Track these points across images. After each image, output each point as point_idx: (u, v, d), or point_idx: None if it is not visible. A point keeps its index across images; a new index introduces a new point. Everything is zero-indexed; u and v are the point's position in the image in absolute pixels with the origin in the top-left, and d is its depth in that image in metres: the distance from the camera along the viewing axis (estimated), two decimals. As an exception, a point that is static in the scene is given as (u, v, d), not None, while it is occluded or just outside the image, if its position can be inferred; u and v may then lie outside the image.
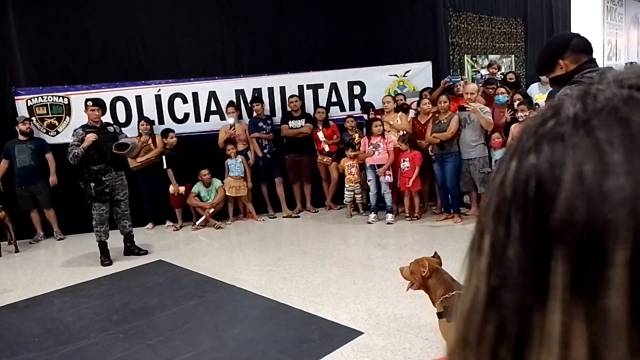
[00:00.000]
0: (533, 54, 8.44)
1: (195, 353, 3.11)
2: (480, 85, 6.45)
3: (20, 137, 6.26)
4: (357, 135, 6.42)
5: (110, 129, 5.26)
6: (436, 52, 7.24)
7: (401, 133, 6.09)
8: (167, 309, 3.86)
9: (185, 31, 6.88)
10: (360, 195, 6.47)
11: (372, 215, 6.15)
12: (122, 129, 6.56)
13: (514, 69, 8.26)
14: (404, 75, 7.09)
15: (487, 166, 5.69)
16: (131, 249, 5.46)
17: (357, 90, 7.12)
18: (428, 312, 2.83)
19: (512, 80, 6.75)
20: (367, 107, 6.73)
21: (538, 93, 6.50)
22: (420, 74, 7.08)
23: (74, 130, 5.20)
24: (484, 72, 7.81)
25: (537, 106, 5.59)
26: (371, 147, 6.04)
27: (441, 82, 6.49)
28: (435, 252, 2.59)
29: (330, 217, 6.69)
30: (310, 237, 5.68)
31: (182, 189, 6.44)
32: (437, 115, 5.87)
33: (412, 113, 6.38)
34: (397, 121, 6.26)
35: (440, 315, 2.32)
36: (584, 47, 2.11)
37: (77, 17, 6.54)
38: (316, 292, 3.85)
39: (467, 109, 5.61)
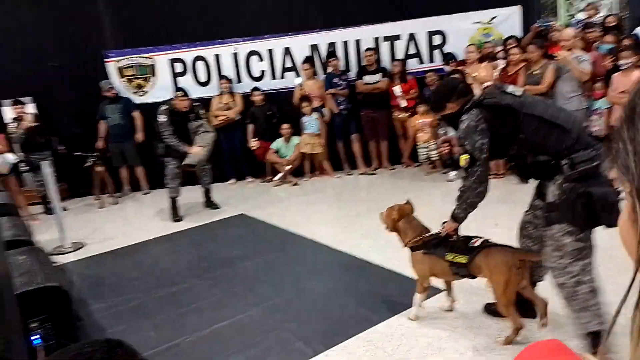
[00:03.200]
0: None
1: (278, 301, 3.25)
2: (579, 30, 5.84)
3: (110, 96, 6.67)
4: None
5: (192, 115, 5.43)
6: (526, -6, 6.63)
7: (483, 86, 5.73)
8: (250, 260, 4.05)
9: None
10: (435, 152, 6.25)
11: (453, 173, 5.94)
12: (203, 87, 6.91)
13: (615, 11, 7.37)
14: (490, 22, 6.58)
15: (585, 119, 5.22)
16: (208, 203, 5.79)
17: (437, 40, 6.75)
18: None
19: (612, 24, 6.02)
20: (448, 58, 6.37)
21: (645, 36, 5.77)
22: (507, 20, 6.53)
23: (161, 109, 5.36)
24: (580, 15, 7.05)
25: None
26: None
27: (531, 28, 5.96)
28: (408, 200, 2.85)
29: (408, 175, 6.56)
30: (388, 195, 5.61)
31: (255, 143, 6.61)
32: (528, 65, 5.41)
33: (501, 63, 5.93)
34: (481, 73, 5.87)
35: (412, 249, 2.69)
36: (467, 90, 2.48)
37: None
38: (394, 248, 3.83)
39: (556, 59, 5.13)
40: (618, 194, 2.04)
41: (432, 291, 3.07)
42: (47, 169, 4.87)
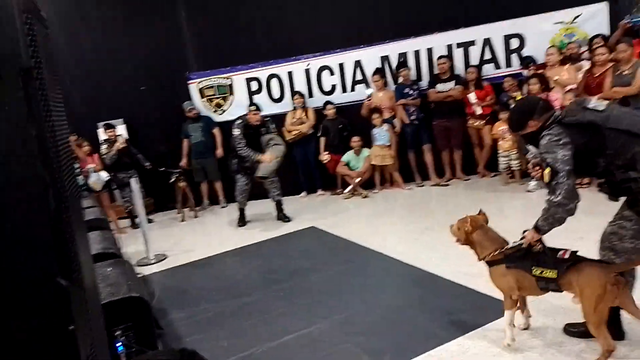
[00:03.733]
0: None
1: (347, 315, 3.25)
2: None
3: (191, 117, 7.12)
4: (518, 94, 5.83)
5: (263, 130, 5.76)
6: (615, -11, 6.15)
7: (567, 89, 5.38)
8: (320, 272, 4.09)
9: (327, 2, 6.99)
10: (517, 162, 5.94)
11: (533, 183, 5.60)
12: (277, 103, 7.15)
13: None
14: (573, 21, 6.16)
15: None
16: (280, 215, 6.00)
17: (514, 43, 6.44)
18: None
19: None
20: (526, 61, 6.05)
21: None
22: (593, 17, 6.07)
23: (235, 123, 5.76)
24: (678, 8, 6.40)
25: None
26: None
27: (619, 24, 5.52)
28: (480, 210, 2.72)
29: (484, 185, 6.30)
30: (461, 206, 5.42)
31: (326, 156, 6.70)
32: (617, 65, 5.01)
33: (586, 65, 5.53)
34: (563, 75, 5.53)
35: (491, 263, 2.54)
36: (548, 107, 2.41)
37: (232, 6, 7.12)
38: (467, 264, 3.68)
39: None
40: None
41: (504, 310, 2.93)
42: (134, 185, 5.29)
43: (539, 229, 2.36)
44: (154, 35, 7.27)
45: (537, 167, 5.55)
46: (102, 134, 6.97)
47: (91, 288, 1.48)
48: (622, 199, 2.36)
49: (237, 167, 5.85)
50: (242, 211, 6.09)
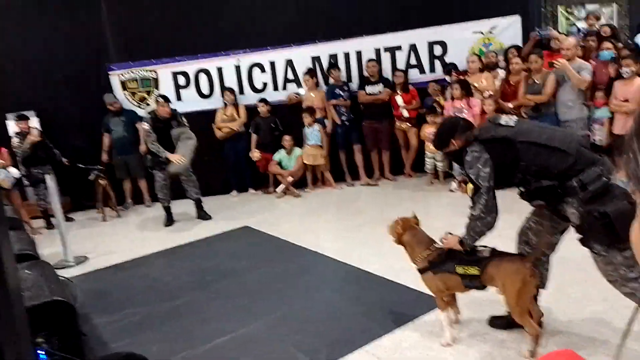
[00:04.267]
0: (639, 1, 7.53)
1: (283, 313, 3.24)
2: (580, 38, 5.88)
3: (113, 110, 6.73)
4: (441, 98, 6.15)
5: (174, 123, 5.58)
6: (525, 4, 6.67)
7: (486, 94, 5.75)
8: (254, 272, 4.05)
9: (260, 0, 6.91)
10: (442, 163, 6.26)
11: (455, 183, 5.95)
12: (206, 100, 6.96)
13: (615, 19, 7.42)
14: (490, 32, 6.62)
15: (586, 128, 5.23)
16: (200, 213, 5.90)
17: (438, 50, 6.78)
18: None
19: (607, 35, 5.99)
20: (449, 68, 6.40)
21: (646, 45, 5.81)
22: (508, 29, 6.56)
23: (144, 117, 5.63)
24: (580, 24, 7.09)
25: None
26: (454, 111, 5.77)
27: (530, 36, 6.01)
28: (413, 212, 2.83)
29: (410, 185, 6.57)
30: (390, 205, 5.61)
31: (256, 154, 6.64)
32: (529, 74, 5.44)
33: (501, 73, 5.96)
34: (482, 82, 5.91)
35: (421, 271, 2.64)
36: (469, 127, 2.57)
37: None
38: (397, 260, 3.82)
39: (555, 65, 5.17)
40: (634, 205, 2.04)
41: (435, 303, 3.07)
42: (50, 182, 4.89)
43: (462, 243, 2.51)
44: (70, 23, 6.74)
45: (461, 183, 5.88)
46: (12, 127, 6.37)
47: (15, 292, 1.34)
48: None
49: (152, 163, 5.62)
50: (167, 209, 5.85)
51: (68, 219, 6.22)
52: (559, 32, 6.13)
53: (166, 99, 5.61)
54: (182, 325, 3.23)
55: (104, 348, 2.94)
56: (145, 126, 5.47)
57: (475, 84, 5.89)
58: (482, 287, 2.52)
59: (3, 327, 1.09)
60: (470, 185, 2.49)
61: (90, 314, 3.52)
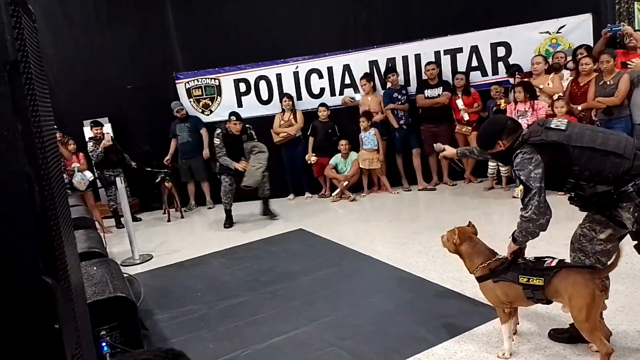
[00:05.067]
0: None
1: (336, 317, 3.24)
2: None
3: (179, 117, 7.07)
4: (502, 101, 5.91)
5: (244, 137, 5.87)
6: (596, 0, 6.27)
7: (555, 97, 5.46)
8: (308, 274, 4.08)
9: (317, 6, 7.00)
10: (505, 168, 6.00)
11: (518, 189, 5.66)
12: (265, 105, 7.13)
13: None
14: (558, 32, 6.29)
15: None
16: (266, 211, 6.08)
17: (501, 52, 6.54)
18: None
19: None
20: (513, 70, 6.14)
21: None
22: (577, 28, 6.21)
23: (216, 132, 5.88)
24: (660, 20, 6.56)
25: None
26: (518, 114, 5.52)
27: (601, 33, 5.64)
28: (470, 222, 2.72)
29: (470, 191, 6.36)
30: (448, 211, 5.47)
31: (313, 158, 6.71)
32: (600, 75, 5.10)
33: (566, 74, 5.64)
34: (549, 84, 5.61)
35: (480, 279, 2.53)
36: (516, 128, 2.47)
37: (221, 7, 7.09)
38: (454, 268, 3.70)
39: (629, 66, 4.81)
40: None
41: (495, 313, 2.95)
42: (120, 184, 5.22)
43: (515, 240, 2.43)
44: (141, 35, 7.20)
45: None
46: (88, 132, 6.87)
47: (78, 286, 1.45)
48: None
49: (220, 169, 5.90)
50: (228, 212, 6.08)
51: (136, 219, 6.61)
52: (635, 30, 5.69)
53: (238, 117, 5.85)
54: (238, 324, 3.32)
55: (164, 343, 3.08)
56: (216, 141, 5.78)
57: (541, 86, 5.61)
58: (547, 301, 2.38)
59: (65, 319, 1.17)
60: (520, 187, 2.36)
61: (152, 309, 3.71)
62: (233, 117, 5.81)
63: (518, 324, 2.74)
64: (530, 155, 2.32)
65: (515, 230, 2.42)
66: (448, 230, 2.71)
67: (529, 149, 2.34)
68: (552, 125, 2.36)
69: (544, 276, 2.31)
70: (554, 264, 2.34)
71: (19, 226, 1.14)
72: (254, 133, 6.02)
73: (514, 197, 5.67)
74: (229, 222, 6.07)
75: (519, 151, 2.37)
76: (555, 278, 2.28)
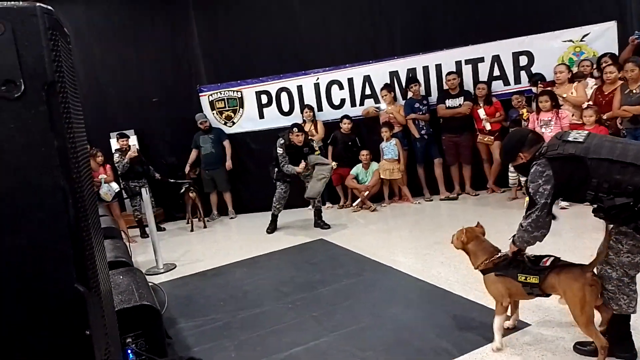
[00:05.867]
0: None
1: (357, 328, 3.24)
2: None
3: (203, 128, 7.21)
4: (525, 110, 5.86)
5: (306, 149, 5.92)
6: (624, 8, 6.18)
7: (584, 105, 5.38)
8: (329, 285, 4.09)
9: (337, 18, 7.09)
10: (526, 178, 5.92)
11: (525, 200, 5.58)
12: (286, 117, 7.21)
13: None
14: (582, 40, 6.21)
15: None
16: (318, 222, 6.08)
17: (523, 61, 6.49)
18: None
19: None
20: (535, 79, 6.08)
21: None
22: (602, 36, 6.13)
23: (278, 142, 5.91)
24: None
25: None
26: (541, 123, 5.46)
27: (629, 40, 5.54)
28: (478, 222, 2.92)
29: (493, 201, 6.29)
30: (470, 221, 5.33)
31: (333, 163, 6.75)
32: (626, 83, 5.02)
33: (590, 83, 5.56)
34: (572, 93, 5.54)
35: (484, 272, 2.72)
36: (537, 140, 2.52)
37: (242, 22, 7.25)
38: (477, 279, 3.67)
39: None
40: None
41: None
42: (145, 195, 5.34)
43: (514, 243, 2.57)
44: (165, 48, 7.40)
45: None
46: (114, 144, 7.06)
47: (107, 294, 1.51)
48: None
49: (277, 176, 5.98)
50: (274, 217, 6.16)
51: (160, 229, 6.75)
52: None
53: (300, 129, 5.90)
54: (259, 334, 3.35)
55: (187, 351, 3.13)
56: (279, 151, 5.88)
57: (564, 95, 5.54)
58: (545, 295, 2.55)
59: (95, 326, 1.23)
60: (527, 199, 2.47)
61: (176, 318, 3.77)
62: (295, 129, 5.85)
63: (518, 319, 2.91)
64: (543, 169, 2.36)
65: (515, 235, 2.55)
66: (458, 229, 2.89)
67: (543, 162, 2.37)
68: (570, 138, 2.36)
69: (539, 274, 2.48)
70: (548, 263, 2.50)
71: (54, 236, 1.21)
72: (315, 145, 6.15)
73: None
74: (272, 227, 6.14)
75: (535, 163, 2.42)
76: (550, 275, 2.46)
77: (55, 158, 1.20)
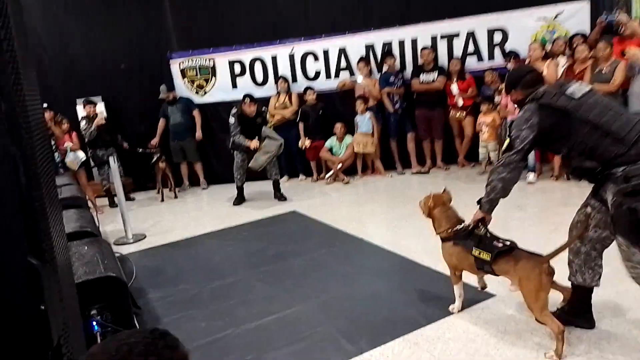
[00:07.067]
0: None
1: (327, 298, 3.28)
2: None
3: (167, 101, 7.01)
4: (500, 87, 5.89)
5: (259, 119, 5.88)
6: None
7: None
8: (300, 256, 4.11)
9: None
10: (495, 152, 6.02)
11: (532, 176, 5.64)
12: (261, 87, 7.06)
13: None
14: (555, 18, 6.24)
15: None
16: (277, 194, 6.06)
17: (497, 38, 6.49)
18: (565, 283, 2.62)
19: None
20: (509, 56, 6.10)
21: None
22: (574, 15, 6.15)
23: (232, 112, 5.85)
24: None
25: None
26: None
27: (597, 22, 5.60)
28: (445, 188, 2.95)
29: (463, 175, 6.39)
30: (441, 195, 5.49)
31: (307, 142, 6.71)
32: (596, 62, 5.09)
33: (562, 61, 5.62)
34: (544, 71, 5.58)
35: (443, 240, 2.79)
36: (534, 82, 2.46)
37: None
38: (445, 251, 3.75)
39: (625, 56, 4.79)
40: None
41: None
42: (113, 164, 5.20)
43: (481, 206, 2.58)
44: (134, 14, 7.11)
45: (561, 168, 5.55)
46: (81, 111, 6.81)
47: (64, 268, 1.45)
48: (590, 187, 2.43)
49: (232, 145, 5.91)
50: (240, 189, 6.09)
51: (129, 199, 6.61)
52: (630, 18, 5.65)
53: (252, 99, 5.83)
54: (229, 303, 3.35)
55: (156, 322, 3.12)
56: (231, 120, 5.80)
57: (537, 72, 5.58)
58: (495, 274, 2.58)
59: (51, 300, 1.18)
60: (507, 141, 2.43)
61: (145, 288, 3.73)
62: (247, 99, 5.79)
63: (485, 287, 3.03)
64: (530, 116, 2.35)
65: (483, 196, 2.55)
66: (425, 195, 2.94)
67: (533, 107, 2.35)
68: (568, 92, 2.32)
69: (492, 253, 2.50)
70: (500, 244, 2.51)
71: (4, 207, 1.14)
72: (268, 118, 6.04)
73: (530, 182, 5.52)
74: (238, 200, 6.07)
75: (525, 106, 2.40)
76: (504, 259, 2.46)
77: (2, 123, 1.12)
